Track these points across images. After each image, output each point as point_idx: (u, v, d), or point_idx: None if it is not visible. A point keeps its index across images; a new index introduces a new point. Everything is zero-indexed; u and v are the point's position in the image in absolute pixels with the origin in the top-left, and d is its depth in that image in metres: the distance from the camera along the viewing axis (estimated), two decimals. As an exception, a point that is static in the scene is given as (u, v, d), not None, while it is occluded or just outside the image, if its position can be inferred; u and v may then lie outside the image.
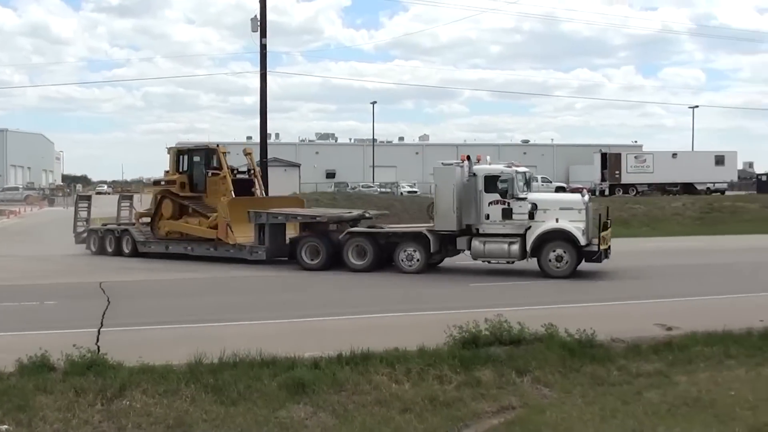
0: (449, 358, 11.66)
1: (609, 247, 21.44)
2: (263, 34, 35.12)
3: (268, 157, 36.24)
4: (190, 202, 28.02)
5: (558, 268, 21.13)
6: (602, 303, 17.60)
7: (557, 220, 21.36)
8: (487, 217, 21.91)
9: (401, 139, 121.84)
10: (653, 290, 19.27)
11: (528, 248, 21.38)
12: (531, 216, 21.43)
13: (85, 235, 30.68)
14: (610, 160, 68.18)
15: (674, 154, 70.31)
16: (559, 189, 61.92)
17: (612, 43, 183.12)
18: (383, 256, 22.98)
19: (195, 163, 28.36)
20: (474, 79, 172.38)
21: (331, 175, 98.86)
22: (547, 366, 11.67)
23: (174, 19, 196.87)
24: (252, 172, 28.62)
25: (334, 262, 23.31)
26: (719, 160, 70.12)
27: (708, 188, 67.45)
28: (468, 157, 22.78)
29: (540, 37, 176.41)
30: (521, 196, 21.80)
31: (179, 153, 28.73)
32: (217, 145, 28.18)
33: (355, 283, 21.36)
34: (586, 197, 22.17)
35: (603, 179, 66.95)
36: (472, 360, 11.66)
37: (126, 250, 28.40)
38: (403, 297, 18.60)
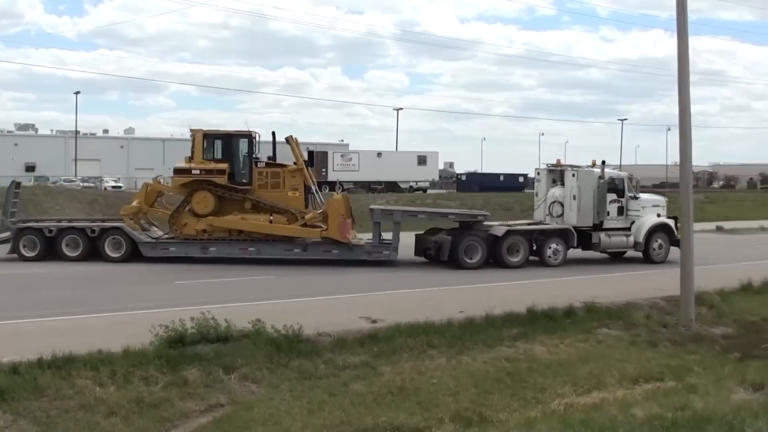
0: (155, 358, 12.14)
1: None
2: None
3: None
4: (240, 195, 26.26)
5: (659, 255, 27.42)
6: (310, 298, 18.98)
7: (658, 215, 27.90)
8: (608, 213, 27.09)
9: (106, 131, 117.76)
10: (360, 285, 21.05)
11: (641, 239, 27.28)
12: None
13: (7, 233, 26.09)
14: (316, 158, 70.79)
15: (379, 154, 75.28)
16: None
17: (319, 44, 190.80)
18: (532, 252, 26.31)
19: (234, 151, 26.59)
20: (181, 73, 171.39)
21: (30, 168, 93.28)
22: (255, 362, 12.57)
23: None
24: (295, 164, 26.98)
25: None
26: (422, 160, 76.35)
27: (411, 186, 72.73)
28: (603, 162, 28.02)
29: (248, 33, 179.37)
30: (634, 195, 27.77)
31: (207, 137, 26.60)
32: (273, 133, 26.96)
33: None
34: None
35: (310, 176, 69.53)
36: (179, 359, 12.24)
37: (113, 255, 25.53)
38: (108, 297, 18.50)
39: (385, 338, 14.12)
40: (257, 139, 26.99)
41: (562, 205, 27.06)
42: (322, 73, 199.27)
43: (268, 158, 27.15)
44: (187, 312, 14.00)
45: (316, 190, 27.43)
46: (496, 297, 18.31)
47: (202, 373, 11.91)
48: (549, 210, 27.48)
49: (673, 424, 8.03)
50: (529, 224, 27.84)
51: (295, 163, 26.84)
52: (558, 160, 29.97)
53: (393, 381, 12.38)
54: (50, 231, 25.58)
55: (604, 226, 27.04)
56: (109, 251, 25.53)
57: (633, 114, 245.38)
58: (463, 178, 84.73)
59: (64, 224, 26.30)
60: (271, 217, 26.05)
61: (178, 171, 26.67)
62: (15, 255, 25.54)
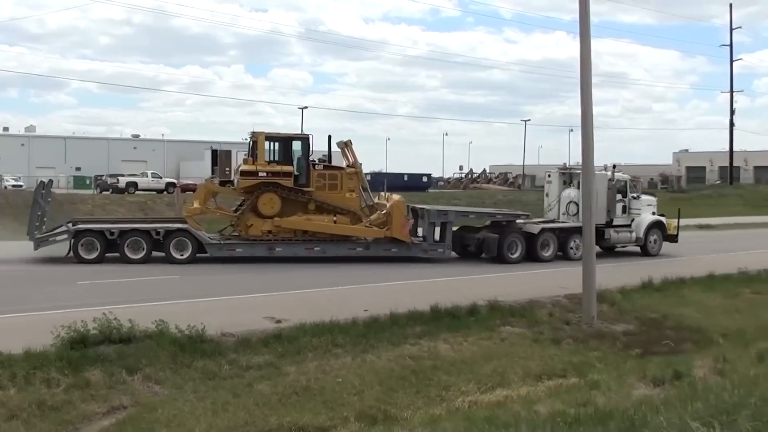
0: (57, 360, 11.98)
1: (677, 234, 31.52)
2: None
3: None
4: (304, 197, 27.17)
5: (654, 248, 31.05)
6: (214, 298, 18.79)
7: (653, 214, 31.51)
8: (615, 212, 30.03)
9: (6, 129, 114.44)
10: (264, 285, 20.85)
11: (642, 234, 30.66)
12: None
13: (63, 236, 25.05)
14: (220, 157, 69.96)
15: None
16: (169, 185, 62.71)
17: (222, 42, 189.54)
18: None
19: (293, 153, 27.59)
20: (83, 70, 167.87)
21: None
22: (158, 363, 12.54)
23: None
24: (350, 166, 28.47)
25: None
26: (325, 159, 75.80)
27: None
28: (614, 166, 31.90)
29: (150, 30, 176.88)
30: (635, 195, 31.33)
31: (269, 140, 27.58)
32: (329, 137, 28.52)
33: None
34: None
35: (213, 175, 68.85)
36: (81, 361, 12.11)
37: (178, 256, 25.43)
38: (7, 298, 17.86)
39: (289, 338, 14.22)
40: (349, 145, 28.64)
41: (577, 205, 28.62)
42: (226, 72, 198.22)
43: (319, 160, 28.70)
44: (89, 313, 13.90)
45: (369, 192, 28.73)
46: (405, 294, 18.73)
47: (105, 375, 11.85)
48: (566, 209, 30.18)
49: (575, 420, 8.19)
50: (549, 222, 30.27)
51: (351, 166, 28.41)
52: (564, 164, 33.66)
53: (298, 381, 12.46)
54: (112, 233, 25.30)
55: (613, 224, 30.11)
56: (174, 252, 25.53)
57: (536, 115, 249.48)
58: (368, 177, 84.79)
59: (128, 226, 26.27)
60: (335, 218, 27.24)
61: (244, 173, 27.15)
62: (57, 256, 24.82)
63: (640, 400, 9.35)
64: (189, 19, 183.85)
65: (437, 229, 27.80)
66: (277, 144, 27.72)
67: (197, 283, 21.43)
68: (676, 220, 31.57)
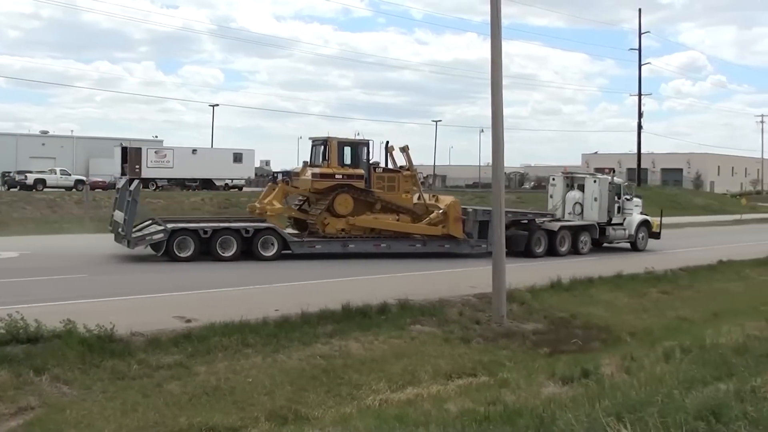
0: (-39, 360, 11.81)
1: (660, 231, 35.93)
2: None
3: None
4: (372, 198, 29.43)
5: (642, 244, 35.24)
6: (124, 297, 18.50)
7: (641, 213, 35.78)
8: (614, 212, 34.43)
9: None
10: (173, 283, 20.61)
11: (633, 232, 34.79)
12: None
13: (160, 235, 25.44)
14: (130, 155, 69.64)
15: (194, 150, 74.52)
16: (78, 182, 61.76)
17: (133, 38, 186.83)
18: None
19: (360, 157, 29.85)
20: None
21: None
22: (67, 363, 12.42)
23: None
24: (408, 169, 30.74)
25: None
26: (237, 157, 76.09)
27: (226, 184, 72.31)
28: (613, 170, 37.29)
29: (60, 25, 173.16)
30: (628, 197, 35.40)
31: (340, 145, 29.46)
32: (387, 143, 30.71)
33: None
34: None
35: (123, 173, 67.91)
36: (-13, 361, 11.92)
37: (265, 254, 26.59)
38: None
39: (199, 337, 14.21)
40: (407, 150, 30.78)
41: (581, 206, 34.08)
42: (136, 68, 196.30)
43: (373, 163, 30.77)
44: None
45: (422, 193, 31.54)
46: (319, 293, 18.72)
47: (12, 375, 11.70)
48: (572, 209, 34.22)
49: (485, 418, 8.35)
50: (560, 221, 33.58)
51: (408, 169, 30.73)
52: (566, 168, 38.94)
53: (208, 381, 12.46)
54: (205, 232, 26.15)
55: (611, 223, 34.24)
56: (262, 250, 26.63)
57: (447, 115, 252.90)
58: (279, 176, 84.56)
59: (220, 225, 27.34)
60: (398, 217, 29.88)
61: (319, 175, 28.95)
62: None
63: (549, 398, 9.58)
64: (99, 14, 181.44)
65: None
66: (347, 148, 29.85)
67: (106, 283, 21.00)
68: (659, 219, 36.09)
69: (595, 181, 34.67)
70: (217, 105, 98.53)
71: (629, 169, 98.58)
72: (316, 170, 29.08)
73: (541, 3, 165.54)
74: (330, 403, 12.09)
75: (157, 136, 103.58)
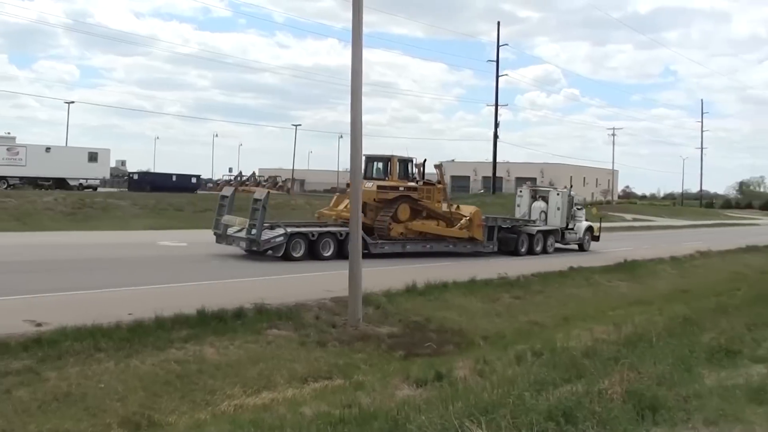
0: None
1: (599, 235, 44.15)
2: None
3: None
4: (420, 206, 34.34)
5: (587, 245, 42.89)
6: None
7: (585, 220, 43.85)
8: (571, 220, 42.60)
9: None
10: (24, 286, 19.73)
11: (581, 235, 42.56)
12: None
13: (281, 238, 29.40)
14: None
15: (48, 148, 72.57)
16: None
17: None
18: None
19: (407, 172, 34.97)
20: None
21: None
22: None
23: None
24: (440, 183, 36.22)
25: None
26: (93, 156, 74.53)
27: (81, 184, 70.44)
28: (571, 186, 48.31)
29: None
30: (580, 207, 43.81)
31: (400, 161, 34.51)
32: (425, 160, 36.00)
33: None
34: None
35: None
36: None
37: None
38: None
39: (50, 342, 13.85)
40: (441, 166, 38.49)
41: (546, 213, 41.77)
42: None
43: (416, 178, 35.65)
44: None
45: (449, 203, 36.56)
46: (177, 296, 18.51)
47: None
48: (538, 216, 41.67)
49: (340, 421, 8.52)
50: (537, 226, 40.69)
51: (439, 182, 36.19)
52: (534, 180, 44.43)
53: (59, 387, 12.24)
54: (313, 235, 30.32)
55: (568, 228, 41.95)
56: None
57: (306, 120, 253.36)
58: (135, 177, 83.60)
59: (324, 229, 31.36)
60: (437, 223, 35.05)
61: (384, 188, 33.45)
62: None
63: (404, 400, 9.84)
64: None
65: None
66: (402, 165, 34.74)
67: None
68: (599, 225, 44.37)
69: (558, 194, 42.97)
70: (73, 102, 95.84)
71: (485, 177, 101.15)
72: (381, 183, 33.78)
73: (403, 12, 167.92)
74: (184, 408, 12.09)
75: (9, 133, 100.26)
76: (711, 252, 44.21)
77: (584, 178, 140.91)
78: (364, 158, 33.41)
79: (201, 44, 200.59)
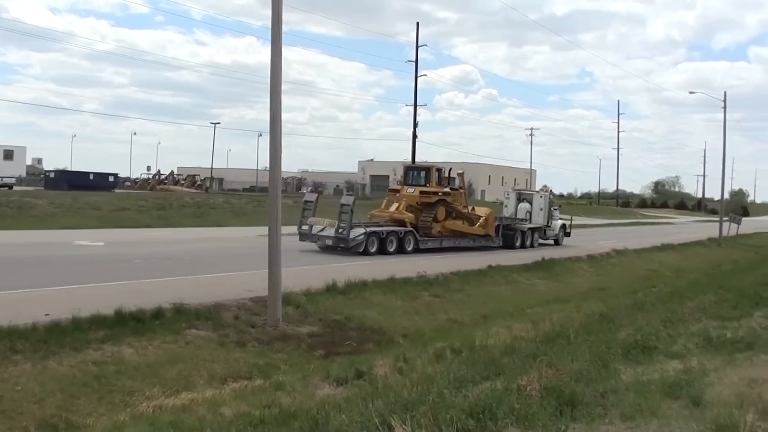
0: None
1: (570, 231, 51.80)
2: None
3: None
4: (451, 208, 40.24)
5: (562, 240, 49.41)
6: None
7: (560, 218, 51.06)
8: (550, 219, 49.34)
9: None
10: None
11: (557, 231, 49.25)
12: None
13: (362, 237, 34.73)
14: None
15: None
16: None
17: None
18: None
19: (439, 179, 40.70)
20: None
21: None
22: None
23: None
24: (461, 188, 42.89)
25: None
26: (8, 155, 73.60)
27: (-4, 183, 69.07)
28: (551, 190, 60.62)
29: None
30: (557, 207, 51.94)
31: (437, 170, 40.66)
32: (450, 169, 42.84)
33: None
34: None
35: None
36: None
37: (408, 248, 37.03)
38: None
39: (-37, 344, 13.45)
40: (462, 173, 44.52)
41: (530, 213, 47.99)
42: None
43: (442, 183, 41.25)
44: None
45: (467, 206, 42.90)
46: (97, 296, 18.31)
47: None
48: (524, 216, 47.83)
49: (260, 422, 8.58)
50: (528, 224, 47.43)
51: (460, 188, 42.67)
52: (518, 184, 53.55)
53: (-27, 390, 11.87)
54: (383, 234, 36.21)
55: (548, 225, 48.54)
56: (406, 246, 37.04)
57: (225, 118, 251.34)
58: (52, 175, 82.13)
59: (390, 228, 37.22)
60: (463, 222, 41.05)
61: (426, 192, 39.20)
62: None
63: (324, 399, 9.93)
64: None
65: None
66: (438, 173, 40.52)
67: None
68: (569, 222, 52.34)
69: (541, 197, 49.68)
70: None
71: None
72: (424, 189, 39.33)
73: (321, 11, 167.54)
74: (102, 410, 12.05)
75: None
76: (627, 250, 45.89)
77: (503, 177, 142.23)
78: (403, 167, 43.97)
79: (119, 41, 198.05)
